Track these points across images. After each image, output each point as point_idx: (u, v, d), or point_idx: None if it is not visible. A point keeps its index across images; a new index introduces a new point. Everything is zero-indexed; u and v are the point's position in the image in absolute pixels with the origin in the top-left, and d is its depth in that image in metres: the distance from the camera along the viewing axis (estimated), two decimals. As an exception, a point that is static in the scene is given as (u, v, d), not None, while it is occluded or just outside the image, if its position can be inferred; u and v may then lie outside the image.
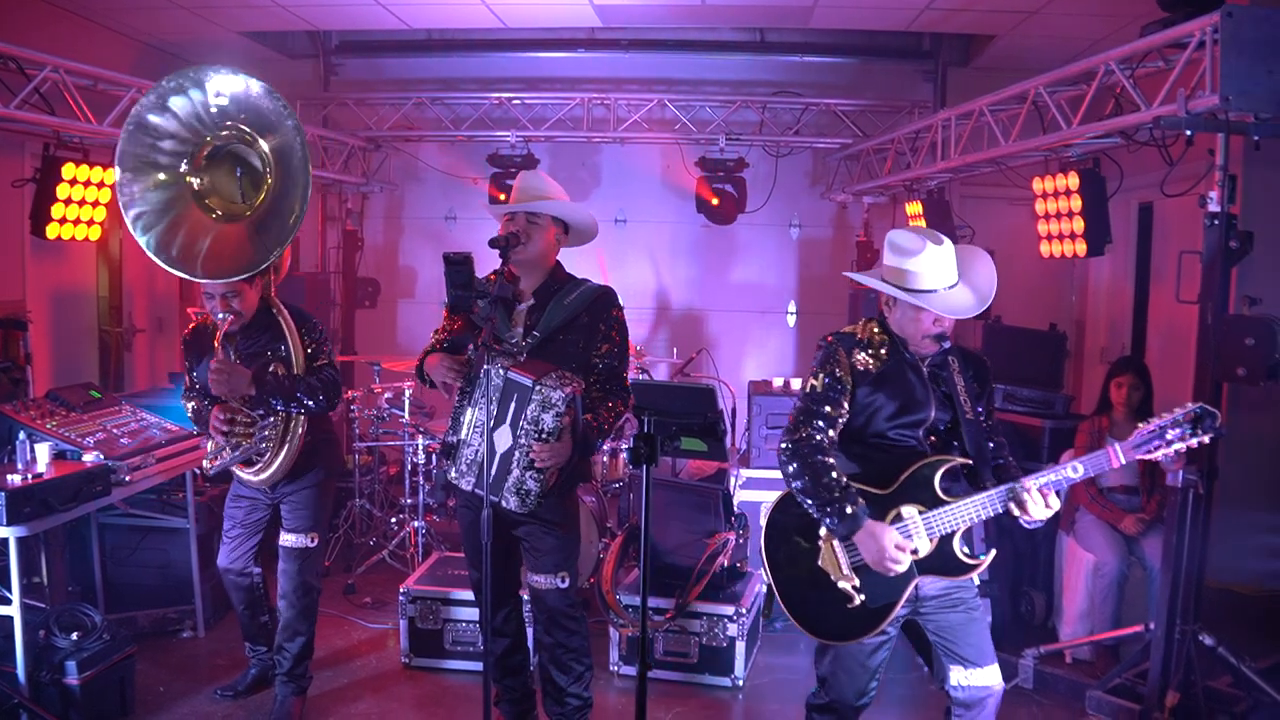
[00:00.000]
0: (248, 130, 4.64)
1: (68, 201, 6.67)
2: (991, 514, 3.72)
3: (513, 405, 4.29)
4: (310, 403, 4.91)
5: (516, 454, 4.29)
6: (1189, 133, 5.06)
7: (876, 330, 3.94)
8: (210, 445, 5.03)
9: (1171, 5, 5.32)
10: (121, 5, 8.07)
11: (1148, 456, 3.63)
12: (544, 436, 4.25)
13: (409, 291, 10.45)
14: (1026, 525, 3.76)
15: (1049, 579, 6.72)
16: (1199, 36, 4.94)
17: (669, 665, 5.87)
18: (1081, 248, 6.47)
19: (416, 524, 7.58)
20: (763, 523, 4.06)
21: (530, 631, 5.07)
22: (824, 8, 8.15)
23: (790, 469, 3.79)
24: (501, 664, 4.86)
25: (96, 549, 6.31)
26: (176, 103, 4.59)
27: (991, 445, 3.92)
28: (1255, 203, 6.55)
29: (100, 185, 6.82)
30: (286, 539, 5.19)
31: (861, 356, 3.87)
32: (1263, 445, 6.51)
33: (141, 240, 4.63)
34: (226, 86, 4.60)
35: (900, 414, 3.85)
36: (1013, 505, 3.69)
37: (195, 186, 4.69)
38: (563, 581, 4.56)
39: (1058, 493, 3.70)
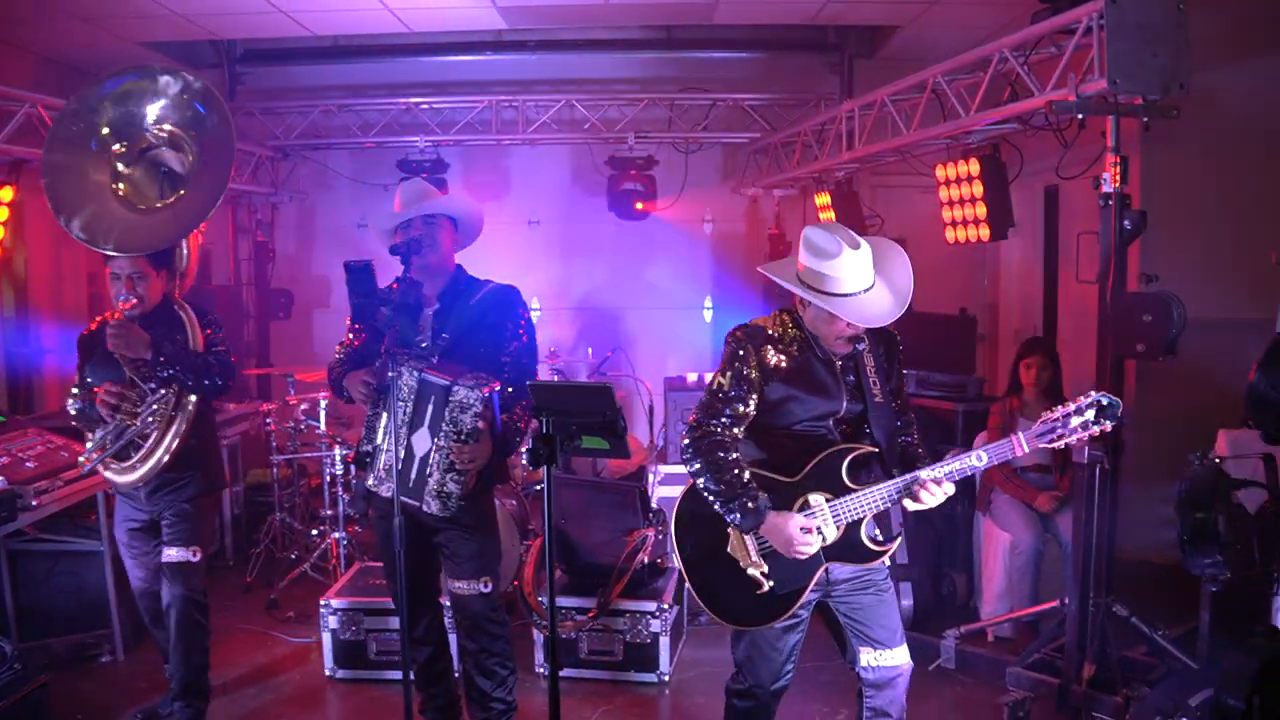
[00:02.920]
0: (184, 136, 4.90)
1: (-39, 222, 6.53)
2: (895, 501, 3.77)
3: (430, 407, 4.29)
4: (205, 381, 4.85)
5: (436, 456, 4.29)
6: (1080, 116, 5.17)
7: (789, 324, 3.93)
8: (89, 443, 4.96)
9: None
10: (16, 18, 7.89)
11: (1051, 445, 3.70)
12: (463, 438, 4.26)
13: (323, 301, 10.35)
14: (916, 507, 3.80)
15: (969, 560, 6.83)
16: (1086, 22, 5.04)
17: (594, 664, 5.89)
18: (985, 233, 6.57)
19: (337, 535, 7.52)
20: (673, 511, 4.08)
21: (452, 638, 5.06)
22: (726, 4, 8.19)
23: (694, 466, 3.81)
24: (425, 673, 4.85)
25: (6, 576, 6.13)
26: (129, 97, 4.92)
27: (900, 426, 3.96)
28: (1153, 182, 6.72)
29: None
30: (169, 554, 5.02)
31: (771, 352, 3.85)
32: (1171, 419, 6.65)
33: (61, 219, 4.80)
34: (175, 89, 4.90)
35: (812, 409, 3.86)
36: (907, 499, 3.74)
37: (119, 175, 4.92)
38: (485, 586, 4.55)
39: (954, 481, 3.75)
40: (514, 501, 6.69)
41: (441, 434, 4.27)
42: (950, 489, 3.73)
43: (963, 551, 6.91)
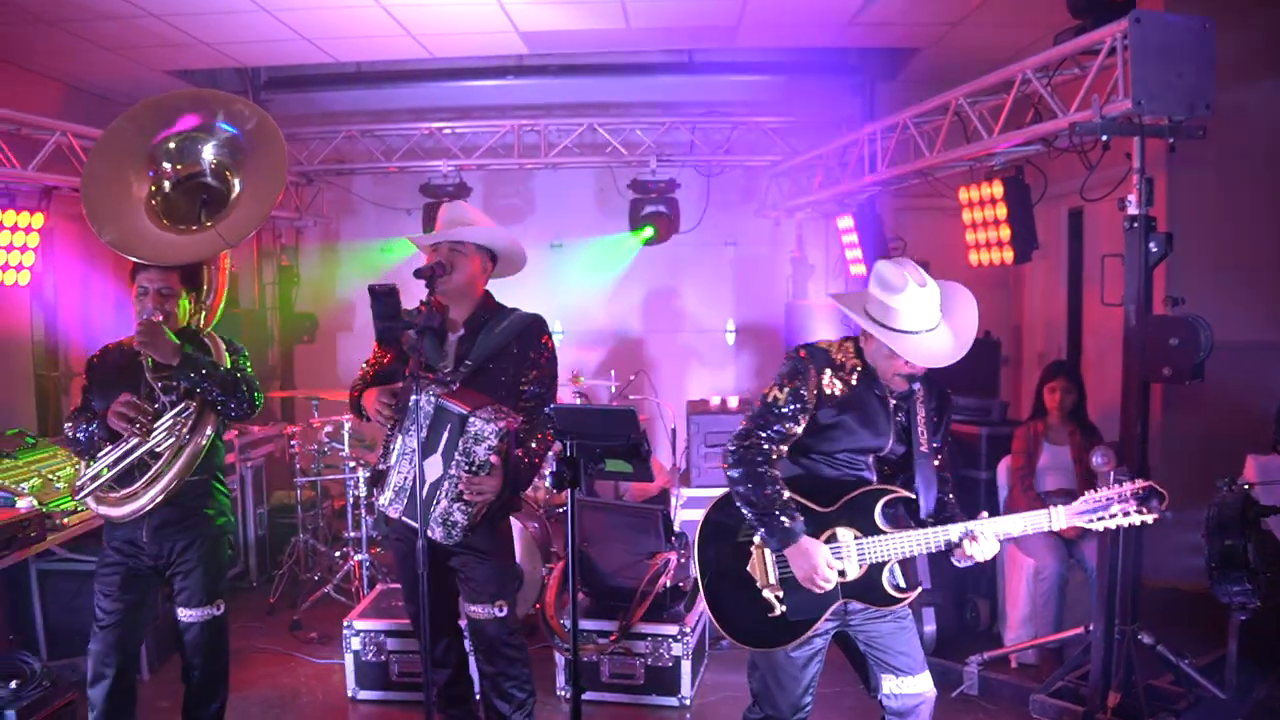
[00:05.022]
0: (234, 168, 4.87)
1: (-5, 247, 6.59)
2: (926, 550, 3.76)
3: (446, 435, 4.29)
4: (234, 398, 4.55)
5: (445, 484, 4.29)
6: (1105, 138, 5.15)
7: (852, 354, 3.94)
8: (84, 469, 4.62)
9: (1080, 12, 5.42)
10: (47, 49, 8.00)
11: (1089, 525, 3.70)
12: (474, 469, 4.25)
13: (347, 324, 10.38)
14: (958, 563, 3.82)
15: (992, 586, 6.79)
16: (1109, 43, 5.02)
17: (615, 688, 5.87)
18: (1009, 255, 6.54)
19: (360, 557, 7.53)
20: (700, 519, 4.08)
21: (473, 660, 5.05)
22: (748, 27, 8.20)
23: (735, 473, 3.81)
24: (444, 695, 4.86)
25: (36, 595, 6.18)
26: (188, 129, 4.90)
27: (939, 481, 3.95)
28: (1179, 203, 6.69)
29: (29, 230, 6.74)
30: (189, 614, 4.67)
31: (831, 378, 3.87)
32: (1198, 443, 6.60)
33: (95, 226, 4.70)
34: (239, 123, 4.88)
35: (858, 441, 3.89)
36: (966, 542, 3.73)
37: (160, 193, 4.86)
38: (501, 610, 4.55)
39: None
40: (536, 524, 6.69)
41: (453, 463, 4.28)
42: (996, 547, 3.78)
43: (986, 577, 6.86)
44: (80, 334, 8.93)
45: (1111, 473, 4.98)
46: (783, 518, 3.72)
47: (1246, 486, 4.86)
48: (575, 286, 10.15)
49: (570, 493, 3.42)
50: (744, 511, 3.81)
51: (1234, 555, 4.66)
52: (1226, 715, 4.82)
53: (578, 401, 7.71)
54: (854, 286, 9.42)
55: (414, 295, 4.44)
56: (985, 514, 3.81)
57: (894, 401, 3.91)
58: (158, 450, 4.52)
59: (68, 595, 6.27)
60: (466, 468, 4.25)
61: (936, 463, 3.95)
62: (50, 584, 6.25)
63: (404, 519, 4.42)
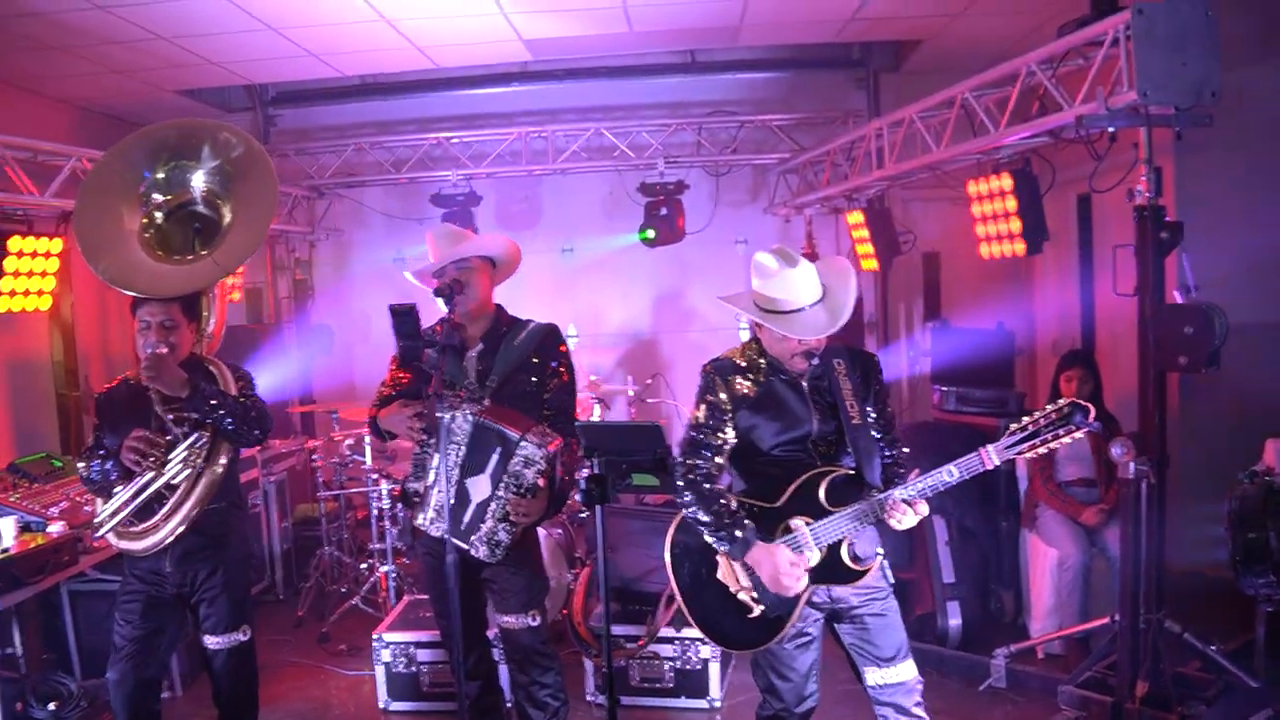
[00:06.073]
0: (224, 195, 4.82)
1: (16, 274, 6.64)
2: (869, 521, 3.83)
3: (495, 457, 4.34)
4: (245, 425, 4.51)
5: (493, 505, 4.35)
6: (1112, 129, 5.17)
7: (756, 353, 4.09)
8: (103, 506, 4.56)
9: (1098, 1, 5.45)
10: (56, 73, 8.06)
11: (1020, 455, 3.70)
12: (523, 492, 4.30)
13: (364, 337, 10.41)
14: (895, 528, 3.84)
15: (1016, 577, 6.80)
16: (1113, 34, 5.04)
17: (645, 691, 5.91)
18: (1020, 247, 6.56)
19: (386, 568, 7.59)
20: (667, 543, 4.17)
21: (503, 670, 5.10)
22: (751, 26, 8.23)
23: (684, 498, 3.94)
24: (475, 706, 4.89)
25: (69, 616, 6.24)
26: (180, 155, 4.84)
27: (881, 444, 4.02)
28: (1187, 188, 6.71)
29: (47, 255, 6.81)
30: (216, 641, 4.66)
31: (739, 381, 4.03)
32: (1216, 429, 6.62)
33: (89, 261, 4.69)
34: (226, 151, 4.82)
35: (782, 433, 3.99)
36: (892, 512, 3.78)
37: (153, 225, 4.83)
38: (533, 619, 4.60)
39: (927, 499, 3.80)
40: (560, 530, 6.73)
41: (503, 485, 4.33)
42: (924, 509, 3.80)
43: (1009, 568, 6.88)
44: (99, 355, 9.01)
45: (1132, 464, 5.03)
46: (735, 530, 3.85)
47: (1268, 476, 4.87)
48: (586, 290, 10.18)
49: (599, 510, 3.46)
50: (700, 530, 3.94)
51: (1257, 548, 4.69)
52: (1258, 702, 4.83)
53: (595, 406, 7.73)
54: (866, 280, 9.44)
55: (431, 313, 4.47)
56: (916, 471, 3.83)
57: (809, 383, 4.00)
58: (174, 483, 4.47)
59: (99, 615, 6.30)
60: (515, 490, 4.31)
61: (876, 432, 4.01)
62: (82, 604, 6.29)
63: (448, 538, 4.45)
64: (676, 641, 5.86)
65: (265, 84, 9.99)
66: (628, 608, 6.14)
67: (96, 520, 4.56)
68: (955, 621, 6.37)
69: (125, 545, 4.55)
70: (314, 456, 8.04)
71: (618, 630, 5.93)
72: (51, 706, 5.25)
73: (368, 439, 7.61)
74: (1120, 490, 5.29)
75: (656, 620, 5.85)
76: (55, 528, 5.54)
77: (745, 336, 9.96)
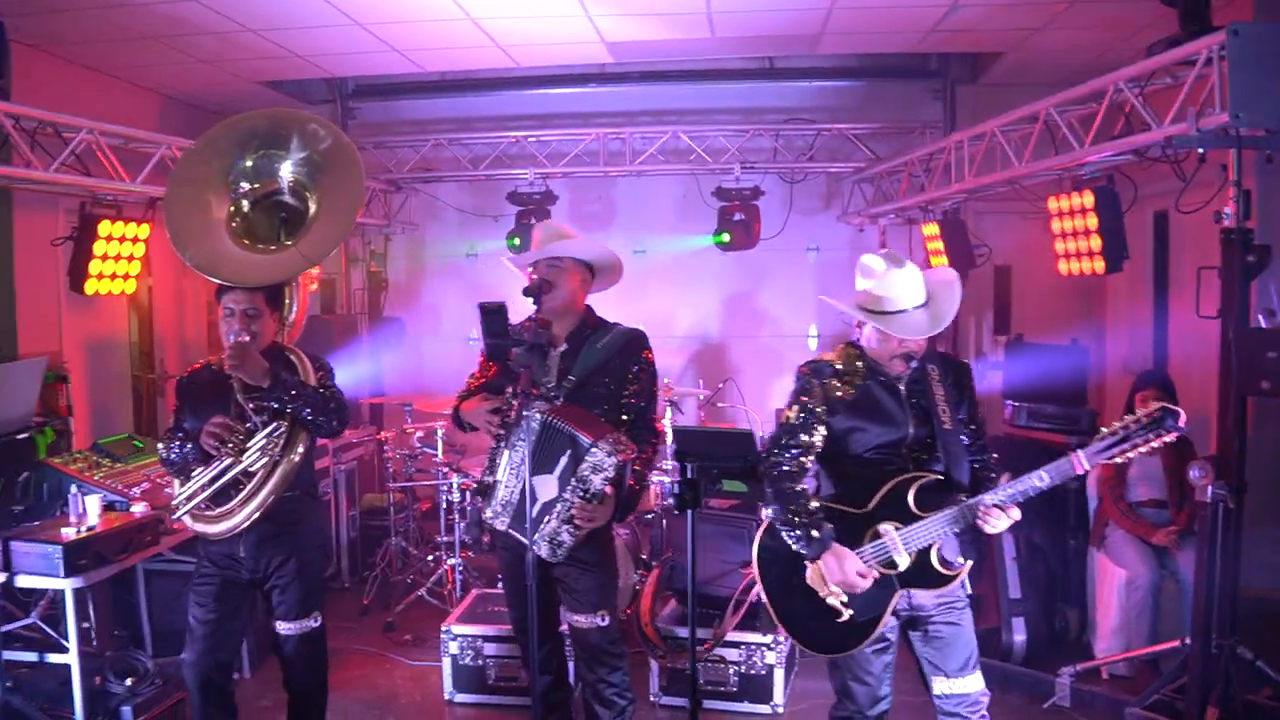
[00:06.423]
0: (311, 186, 4.88)
1: (104, 258, 6.79)
2: (960, 526, 3.86)
3: (564, 459, 4.37)
4: (324, 415, 4.58)
5: (558, 506, 4.38)
6: (1201, 150, 5.14)
7: (854, 356, 4.10)
8: (180, 488, 4.63)
9: (1188, 21, 5.41)
10: (144, 62, 8.23)
11: (1112, 460, 3.71)
12: (588, 497, 4.35)
13: (434, 330, 10.53)
14: (988, 532, 3.88)
15: (1081, 595, 6.77)
16: (1205, 54, 5.02)
17: (709, 694, 5.94)
18: (1100, 265, 6.52)
19: (453, 561, 7.68)
20: (755, 546, 4.21)
21: (571, 666, 5.16)
22: (832, 34, 8.23)
23: (766, 495, 3.99)
24: (545, 700, 4.92)
25: (143, 595, 6.37)
26: (270, 144, 4.90)
27: (971, 452, 4.06)
28: (1271, 210, 6.62)
29: (135, 240, 6.97)
30: (288, 627, 4.74)
31: (836, 384, 4.03)
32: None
33: (179, 249, 4.73)
34: (315, 143, 4.87)
35: (878, 437, 4.02)
36: (977, 523, 3.83)
37: (240, 214, 4.90)
38: (603, 620, 4.63)
39: (1018, 503, 3.83)
40: (627, 531, 6.78)
41: (569, 488, 4.37)
42: (1016, 514, 3.83)
43: (1075, 586, 6.84)
44: (174, 337, 9.19)
45: (1210, 487, 4.99)
46: (812, 530, 3.89)
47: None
48: (657, 292, 10.20)
49: (691, 514, 3.51)
50: (778, 528, 3.99)
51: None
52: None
53: (668, 409, 7.78)
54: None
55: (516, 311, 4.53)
56: (1008, 476, 3.88)
57: (905, 387, 4.03)
58: (251, 470, 4.52)
59: (171, 595, 6.43)
60: (581, 494, 4.36)
61: (965, 437, 4.05)
62: (155, 583, 6.43)
63: (510, 531, 4.53)
64: (742, 646, 5.90)
65: (344, 77, 10.11)
66: (696, 610, 6.17)
67: (174, 502, 4.64)
68: (1020, 637, 6.36)
69: (200, 528, 4.62)
70: (385, 447, 8.16)
71: (685, 633, 5.96)
72: (129, 682, 5.35)
73: (440, 432, 7.70)
74: (1197, 513, 5.25)
75: (724, 624, 5.89)
76: (138, 508, 5.65)
77: (814, 346, 10.10)
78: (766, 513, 4.02)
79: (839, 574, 3.87)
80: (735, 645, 5.91)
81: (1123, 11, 7.07)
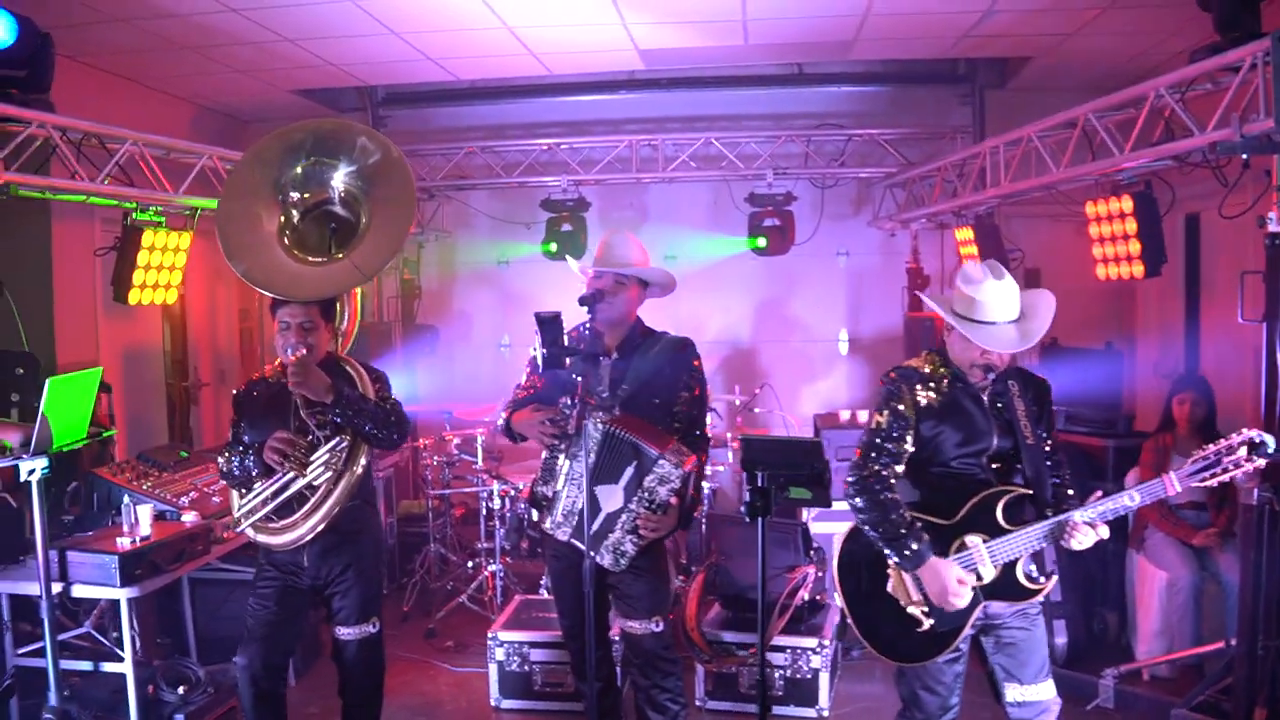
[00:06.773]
0: (362, 197, 4.91)
1: (146, 268, 6.86)
2: (1051, 543, 3.90)
3: (630, 470, 4.43)
4: (385, 429, 4.63)
5: (624, 517, 4.44)
6: (1245, 156, 5.16)
7: (939, 363, 4.13)
8: (240, 501, 4.71)
9: (1225, 27, 5.42)
10: (177, 71, 8.28)
11: (1203, 483, 3.75)
12: (654, 508, 4.39)
13: (465, 337, 10.57)
14: (1075, 549, 3.90)
15: (1120, 598, 6.79)
16: (1250, 60, 5.03)
17: (753, 699, 5.95)
18: (1139, 269, 6.53)
19: (494, 568, 7.73)
20: (835, 552, 4.23)
21: (619, 671, 5.20)
22: (865, 41, 8.25)
23: (857, 503, 3.98)
24: (596, 706, 4.98)
25: (188, 603, 6.43)
26: (321, 153, 4.95)
27: (1050, 466, 4.07)
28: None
29: (176, 250, 7.02)
30: (347, 632, 4.83)
31: (923, 391, 4.05)
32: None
33: (232, 263, 4.77)
34: (365, 155, 4.92)
35: (963, 445, 4.04)
36: (1062, 540, 3.86)
37: (290, 225, 4.92)
38: (657, 626, 4.68)
39: (1107, 521, 3.86)
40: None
41: (635, 499, 4.43)
42: (1105, 531, 3.86)
43: (1114, 589, 6.87)
44: (207, 346, 9.26)
45: (1256, 490, 5.01)
46: (910, 541, 3.89)
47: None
48: (688, 297, 10.17)
49: (761, 521, 3.55)
50: (872, 538, 3.98)
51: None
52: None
53: (710, 417, 7.83)
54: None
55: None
56: (1100, 493, 3.91)
57: (989, 398, 4.07)
58: (315, 484, 4.57)
59: (215, 603, 6.52)
60: (647, 505, 4.40)
61: (1047, 449, 4.09)
62: (200, 592, 6.50)
63: (572, 541, 4.58)
64: (788, 650, 5.94)
65: (375, 86, 10.16)
66: (741, 615, 6.23)
67: (236, 515, 4.70)
68: (1061, 640, 6.38)
69: (264, 539, 4.70)
70: (424, 454, 8.21)
71: (731, 637, 6.03)
72: (181, 690, 5.42)
73: (479, 439, 7.75)
74: (1236, 515, 5.28)
75: (770, 628, 5.93)
76: (188, 517, 5.70)
77: (844, 351, 10.12)
78: (860, 520, 4.01)
79: (939, 587, 3.87)
80: (781, 649, 5.95)
81: (1156, 17, 7.08)
